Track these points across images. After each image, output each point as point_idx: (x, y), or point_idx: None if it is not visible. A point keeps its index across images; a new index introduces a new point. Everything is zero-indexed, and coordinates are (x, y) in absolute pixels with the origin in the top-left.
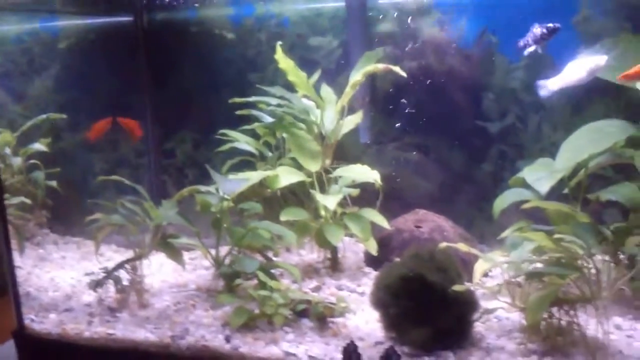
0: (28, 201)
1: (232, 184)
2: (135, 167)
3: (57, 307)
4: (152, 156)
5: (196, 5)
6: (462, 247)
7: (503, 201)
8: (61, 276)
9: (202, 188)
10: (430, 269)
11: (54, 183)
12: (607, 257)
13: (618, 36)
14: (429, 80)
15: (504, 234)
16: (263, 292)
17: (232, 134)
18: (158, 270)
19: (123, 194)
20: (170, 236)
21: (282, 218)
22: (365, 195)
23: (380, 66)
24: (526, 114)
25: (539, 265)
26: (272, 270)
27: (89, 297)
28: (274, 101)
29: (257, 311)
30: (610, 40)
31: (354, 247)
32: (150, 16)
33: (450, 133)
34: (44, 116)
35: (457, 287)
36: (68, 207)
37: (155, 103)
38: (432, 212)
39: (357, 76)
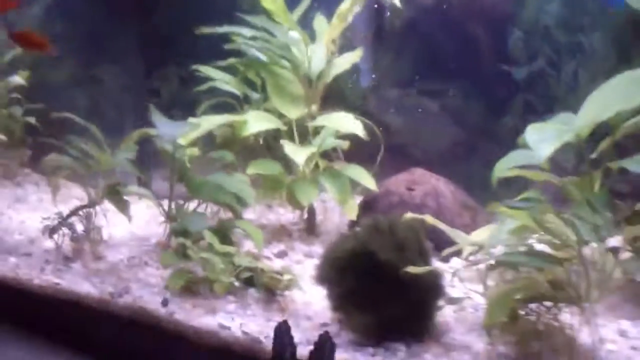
0: (4, 138)
1: (173, 128)
2: (119, 106)
3: (17, 250)
4: (137, 95)
5: None
6: (428, 219)
7: (504, 165)
8: (32, 219)
9: (152, 131)
10: (387, 243)
11: (32, 119)
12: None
13: None
14: (445, 14)
15: (491, 208)
16: (205, 254)
17: (207, 70)
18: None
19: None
20: (117, 184)
21: (249, 171)
22: (366, 150)
23: None
24: (560, 58)
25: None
26: (238, 230)
27: (51, 243)
28: (247, 33)
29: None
30: None
31: (338, 208)
32: None
33: (467, 79)
34: None
35: (413, 268)
36: (49, 145)
37: (140, 36)
38: (433, 172)
39: (345, 4)
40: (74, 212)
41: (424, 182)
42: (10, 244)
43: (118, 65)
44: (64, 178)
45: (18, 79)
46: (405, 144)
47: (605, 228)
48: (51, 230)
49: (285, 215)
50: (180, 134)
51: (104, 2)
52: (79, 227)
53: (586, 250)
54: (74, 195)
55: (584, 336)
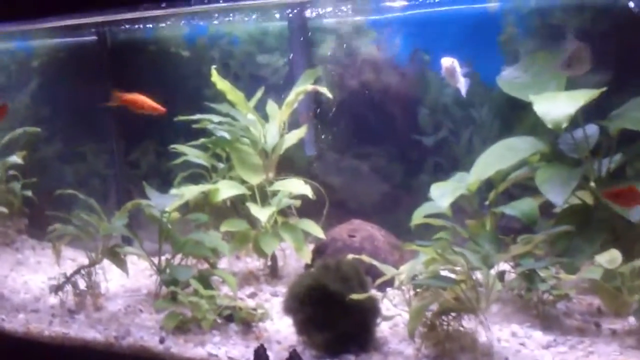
0: (5, 210)
1: (163, 199)
2: (103, 178)
3: (25, 308)
4: (118, 167)
5: (151, 25)
6: (365, 258)
7: (420, 213)
8: (34, 279)
9: (143, 202)
10: (335, 279)
11: (29, 193)
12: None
13: (536, 54)
14: (368, 97)
15: (406, 247)
16: (192, 299)
17: (182, 148)
18: (121, 275)
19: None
20: (116, 246)
21: (222, 229)
22: (316, 205)
23: (309, 87)
24: (458, 128)
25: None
26: (215, 277)
27: (55, 299)
28: (215, 119)
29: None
30: (529, 58)
31: (295, 255)
32: (112, 36)
33: (389, 146)
34: (20, 130)
35: (355, 296)
36: (44, 215)
37: (120, 116)
38: (369, 221)
39: (291, 96)
40: (77, 272)
41: (362, 229)
42: (17, 302)
43: (101, 142)
44: (64, 244)
45: (16, 159)
46: (345, 199)
47: (493, 257)
48: (57, 288)
49: (252, 263)
50: (169, 205)
51: (87, 89)
52: (81, 284)
53: (478, 274)
54: (67, 256)
55: (483, 337)
